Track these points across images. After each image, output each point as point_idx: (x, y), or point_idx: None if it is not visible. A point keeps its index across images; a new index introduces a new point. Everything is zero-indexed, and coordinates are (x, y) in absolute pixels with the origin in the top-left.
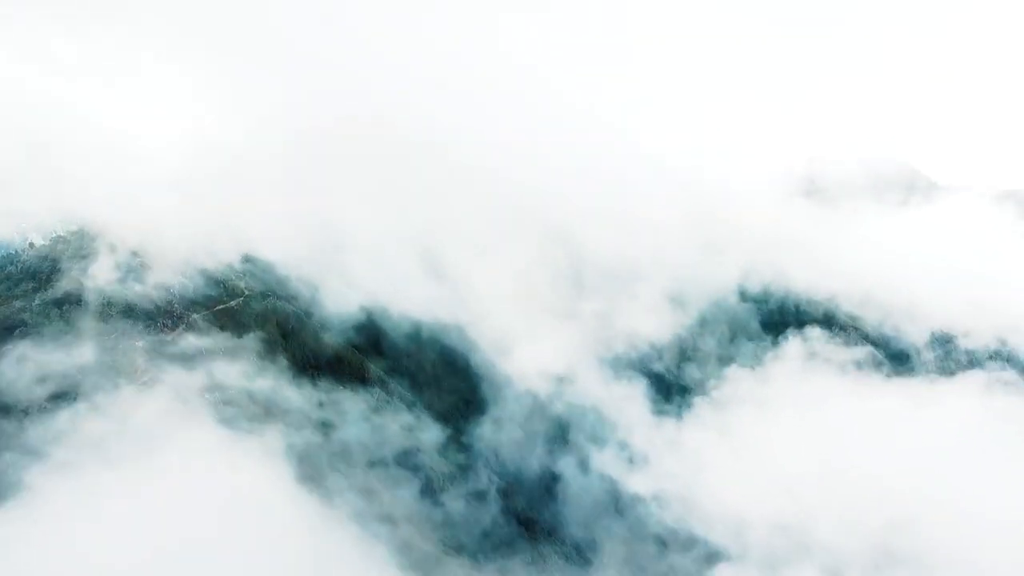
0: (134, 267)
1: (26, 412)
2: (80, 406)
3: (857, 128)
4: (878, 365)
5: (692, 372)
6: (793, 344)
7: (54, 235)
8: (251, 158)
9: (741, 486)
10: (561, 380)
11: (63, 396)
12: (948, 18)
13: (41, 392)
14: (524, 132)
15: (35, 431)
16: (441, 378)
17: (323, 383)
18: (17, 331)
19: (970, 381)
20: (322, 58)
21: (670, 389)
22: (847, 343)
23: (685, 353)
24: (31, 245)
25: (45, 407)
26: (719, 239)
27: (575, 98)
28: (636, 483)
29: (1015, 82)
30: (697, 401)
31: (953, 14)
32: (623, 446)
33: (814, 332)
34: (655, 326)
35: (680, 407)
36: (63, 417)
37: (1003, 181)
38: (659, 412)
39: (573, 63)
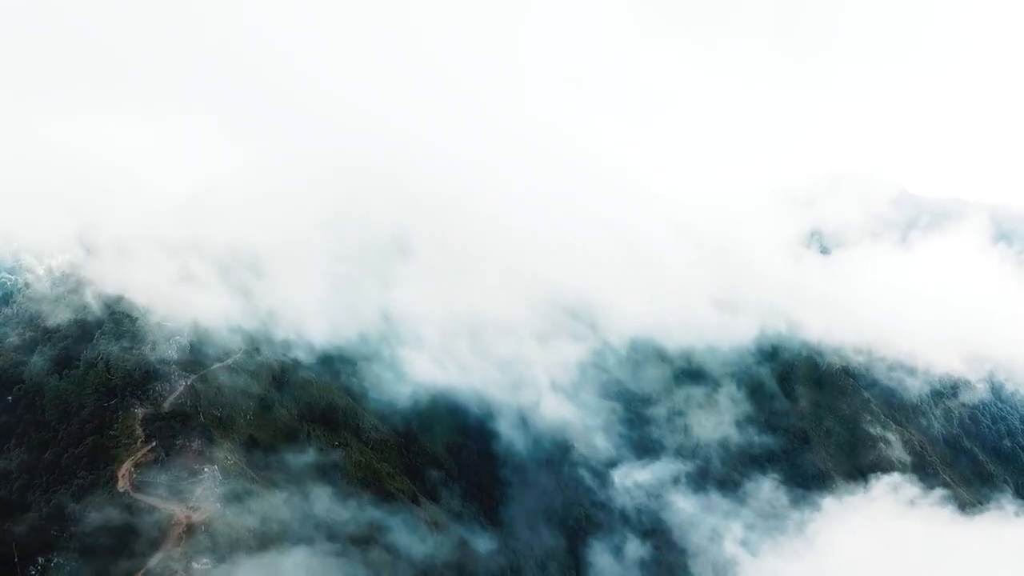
0: (199, 357)
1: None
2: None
3: (855, 158)
4: (952, 503)
5: (743, 466)
6: (878, 485)
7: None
8: (302, 252)
9: None
10: (614, 470)
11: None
12: (943, 44)
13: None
14: (552, 199)
15: None
16: (489, 473)
17: (382, 499)
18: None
19: None
20: (369, 143)
21: (722, 487)
22: (926, 485)
23: (739, 449)
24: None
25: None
26: (735, 297)
27: (601, 165)
28: None
29: (1009, 97)
30: (783, 526)
31: (949, 45)
32: (662, 541)
33: (893, 478)
34: (706, 423)
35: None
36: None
37: (1000, 193)
38: (710, 512)
39: (596, 128)
